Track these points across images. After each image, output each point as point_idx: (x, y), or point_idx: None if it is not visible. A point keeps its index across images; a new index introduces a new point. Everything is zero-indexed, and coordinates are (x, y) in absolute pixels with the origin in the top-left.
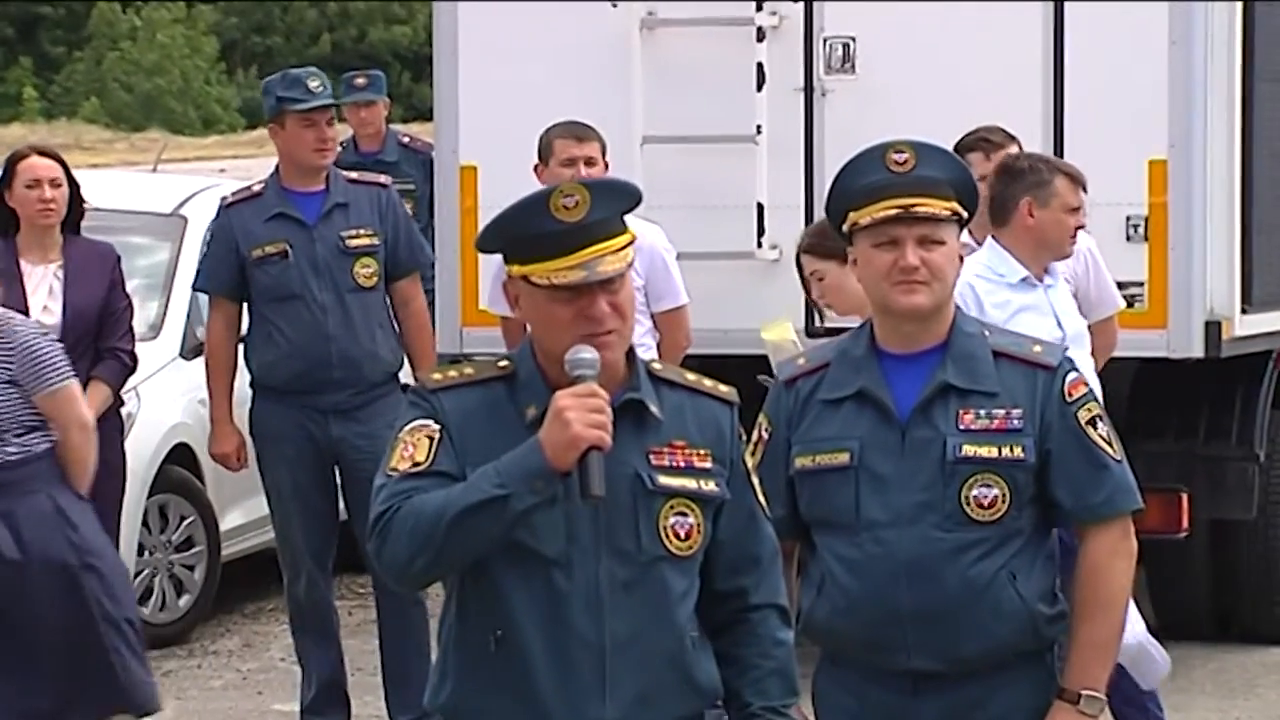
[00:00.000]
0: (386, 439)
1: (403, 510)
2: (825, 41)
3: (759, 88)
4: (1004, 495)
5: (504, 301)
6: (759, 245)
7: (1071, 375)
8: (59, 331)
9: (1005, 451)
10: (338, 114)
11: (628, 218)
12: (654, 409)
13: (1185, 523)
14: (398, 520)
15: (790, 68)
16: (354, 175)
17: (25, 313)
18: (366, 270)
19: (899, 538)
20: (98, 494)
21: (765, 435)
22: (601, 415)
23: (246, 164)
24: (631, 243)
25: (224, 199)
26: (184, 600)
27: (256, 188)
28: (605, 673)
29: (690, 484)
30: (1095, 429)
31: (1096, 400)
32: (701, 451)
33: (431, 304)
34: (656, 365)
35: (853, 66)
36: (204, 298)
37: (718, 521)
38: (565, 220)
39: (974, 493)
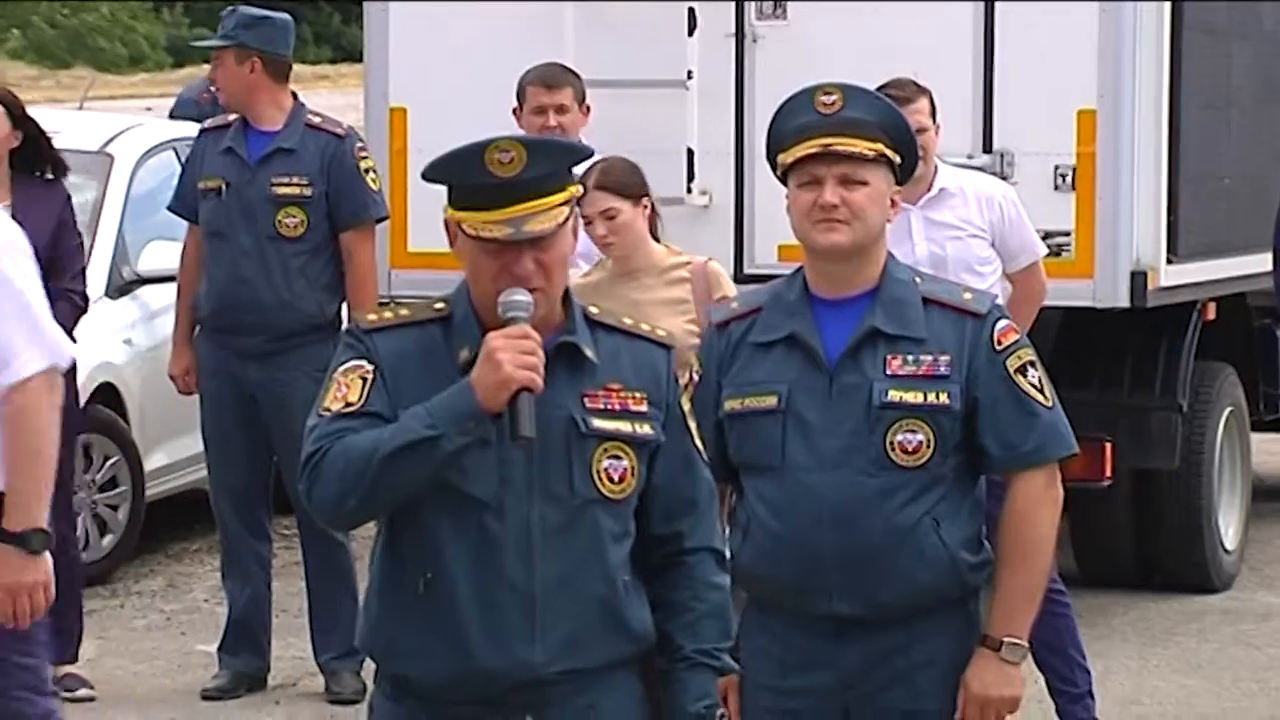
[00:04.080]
0: (304, 385)
1: (333, 450)
2: None
3: (690, 33)
4: (928, 441)
5: None
6: (689, 191)
7: (1001, 323)
8: None
9: (931, 397)
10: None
11: None
12: (589, 352)
13: (1109, 472)
14: (328, 460)
15: (721, 13)
16: (317, 120)
17: None
18: (291, 220)
19: (823, 482)
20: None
21: (695, 378)
22: (533, 357)
23: (173, 102)
24: (570, 200)
25: (204, 124)
26: (107, 540)
27: (232, 117)
28: (535, 616)
29: (625, 427)
30: (1025, 376)
31: (1029, 347)
32: (637, 395)
33: None
34: (594, 309)
35: (784, 13)
36: (131, 239)
37: (653, 465)
38: (499, 175)
39: (899, 438)
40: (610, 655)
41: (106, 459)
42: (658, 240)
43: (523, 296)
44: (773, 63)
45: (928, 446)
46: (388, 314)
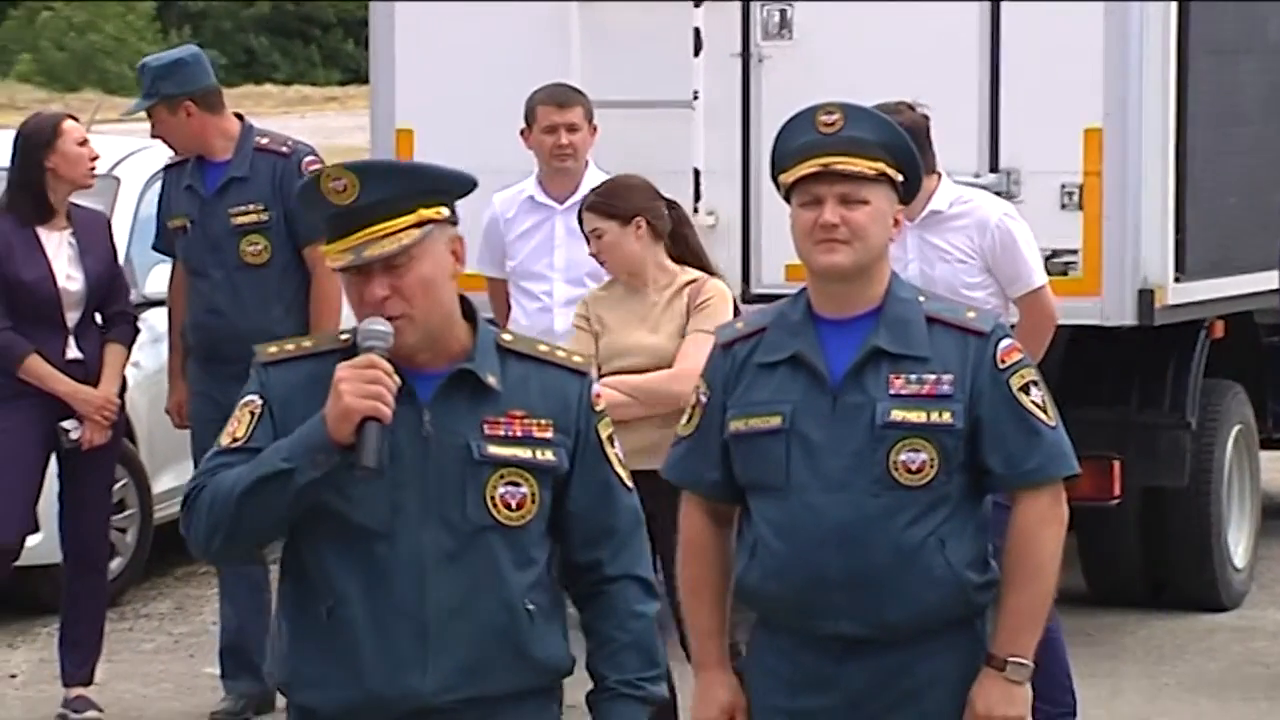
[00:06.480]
0: None
1: (208, 487)
2: (762, 7)
3: (696, 53)
4: (932, 460)
5: (489, 262)
6: (695, 210)
7: (1004, 342)
8: (83, 298)
9: (934, 416)
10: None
11: None
12: (491, 380)
13: (1117, 490)
14: (202, 497)
15: (727, 33)
16: (264, 141)
17: (53, 282)
18: (254, 248)
19: (828, 502)
20: (104, 448)
21: (703, 399)
22: (377, 386)
23: None
24: (423, 223)
25: (168, 160)
26: (116, 563)
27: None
28: (427, 644)
29: (523, 453)
30: (1028, 395)
31: (1031, 366)
32: (542, 421)
33: None
34: (507, 336)
35: (790, 33)
36: (138, 261)
37: (566, 493)
38: (336, 204)
39: (902, 457)
40: (514, 684)
41: (115, 481)
42: (686, 255)
43: (380, 326)
44: (778, 82)
45: (931, 466)
46: (289, 345)
